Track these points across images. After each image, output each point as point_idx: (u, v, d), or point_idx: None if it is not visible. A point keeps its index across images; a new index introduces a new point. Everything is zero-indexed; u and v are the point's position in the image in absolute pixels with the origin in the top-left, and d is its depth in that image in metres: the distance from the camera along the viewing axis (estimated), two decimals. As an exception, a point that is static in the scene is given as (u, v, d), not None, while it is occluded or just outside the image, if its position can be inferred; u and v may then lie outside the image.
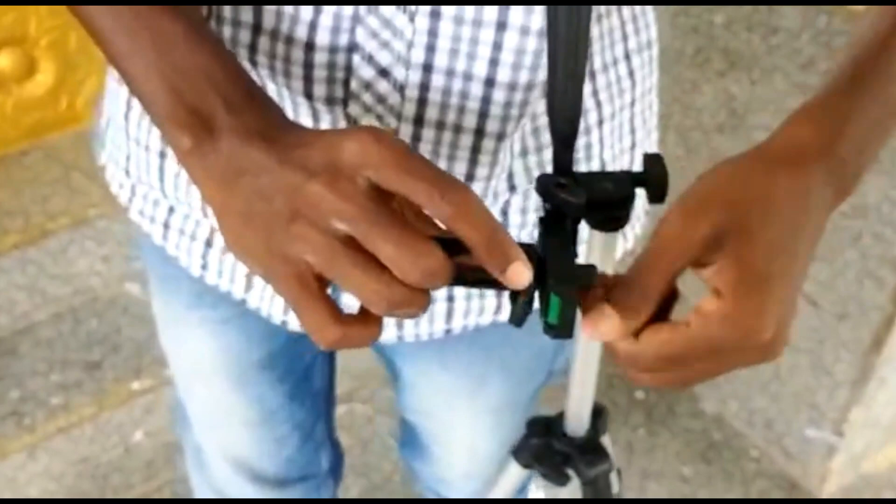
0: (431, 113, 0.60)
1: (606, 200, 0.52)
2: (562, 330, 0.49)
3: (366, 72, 0.58)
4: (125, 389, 1.65)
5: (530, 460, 0.84)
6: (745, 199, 0.47)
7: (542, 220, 0.50)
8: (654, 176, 0.54)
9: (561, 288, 0.48)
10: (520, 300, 0.47)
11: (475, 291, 0.71)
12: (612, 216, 0.54)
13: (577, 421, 0.79)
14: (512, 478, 0.87)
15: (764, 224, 0.46)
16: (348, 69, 0.58)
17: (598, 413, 0.80)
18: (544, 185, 0.51)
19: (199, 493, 1.08)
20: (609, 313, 0.46)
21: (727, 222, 0.46)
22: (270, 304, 0.73)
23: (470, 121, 0.60)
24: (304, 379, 0.95)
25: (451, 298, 0.71)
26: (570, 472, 0.83)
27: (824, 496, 1.67)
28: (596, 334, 0.47)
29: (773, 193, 0.47)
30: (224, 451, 0.99)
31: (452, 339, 0.75)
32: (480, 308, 0.72)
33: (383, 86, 0.59)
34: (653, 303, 0.47)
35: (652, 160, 0.55)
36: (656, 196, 0.55)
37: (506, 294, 0.47)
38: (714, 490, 1.69)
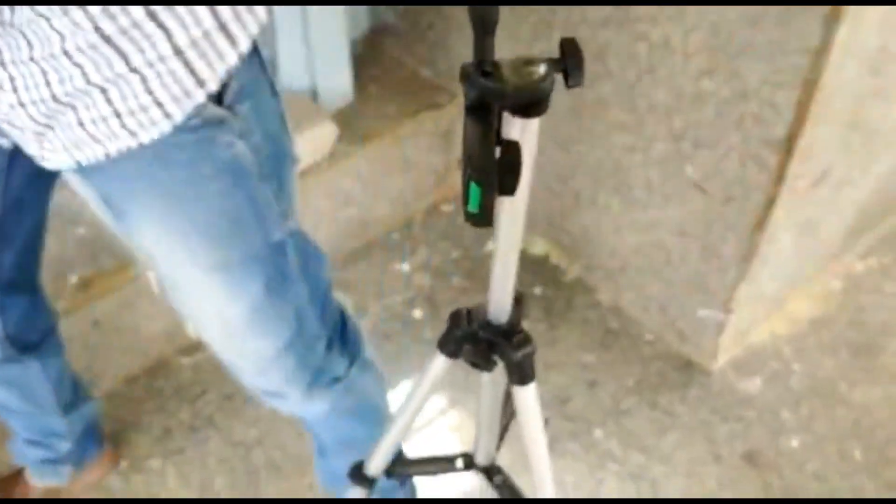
0: None
1: (531, 85, 0.53)
2: (482, 218, 0.50)
3: None
4: None
5: (456, 350, 0.87)
6: None
7: (467, 110, 0.51)
8: (573, 60, 0.55)
9: (481, 177, 0.48)
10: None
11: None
12: (534, 101, 0.55)
13: (500, 308, 0.81)
14: (437, 368, 0.90)
15: None
16: None
17: (517, 300, 0.82)
18: (468, 74, 0.51)
19: None
20: None
21: None
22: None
23: None
24: None
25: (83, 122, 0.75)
26: (496, 357, 0.86)
27: (715, 370, 1.78)
28: None
29: None
30: None
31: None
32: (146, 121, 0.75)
33: None
34: None
35: (569, 45, 0.56)
36: (576, 80, 0.56)
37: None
38: (614, 374, 1.77)
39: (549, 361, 1.79)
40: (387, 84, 2.00)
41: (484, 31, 0.50)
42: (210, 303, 0.96)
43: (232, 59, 0.75)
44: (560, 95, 1.74)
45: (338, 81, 1.90)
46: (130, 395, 1.69)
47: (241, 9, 0.75)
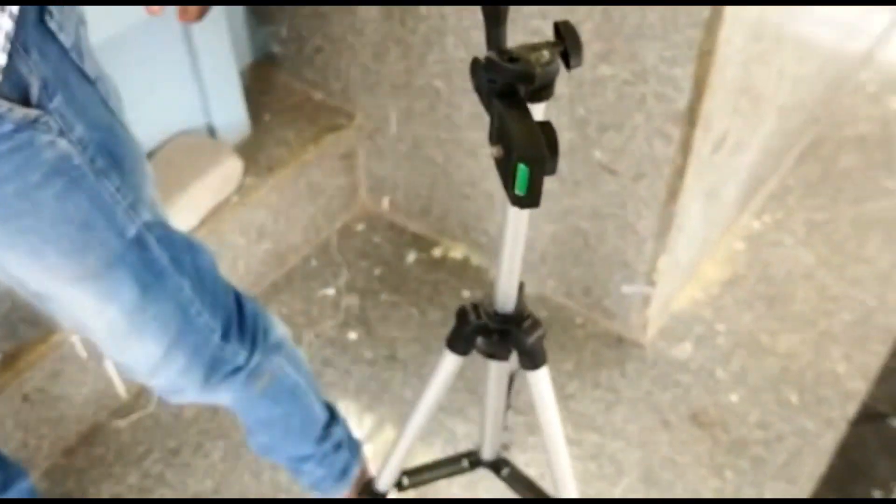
0: None
1: (548, 66, 0.55)
2: (531, 199, 0.51)
3: None
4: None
5: (467, 347, 0.88)
6: None
7: (498, 97, 0.52)
8: (571, 42, 0.58)
9: (530, 156, 0.50)
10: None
11: None
12: (546, 84, 0.57)
13: (507, 296, 0.83)
14: (449, 368, 0.90)
15: None
16: None
17: (518, 287, 0.84)
18: (492, 63, 0.52)
19: None
20: None
21: None
22: None
23: None
24: None
25: None
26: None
27: (646, 342, 1.84)
28: None
29: None
30: None
31: None
32: None
33: None
34: None
35: (566, 28, 0.58)
36: (577, 61, 0.58)
37: None
38: (553, 361, 1.79)
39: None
40: (282, 112, 1.99)
41: (497, 23, 0.52)
42: (87, 311, 0.94)
43: (6, 23, 0.73)
44: (461, 100, 1.76)
45: (233, 115, 1.87)
46: (72, 468, 1.62)
47: None
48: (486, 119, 1.87)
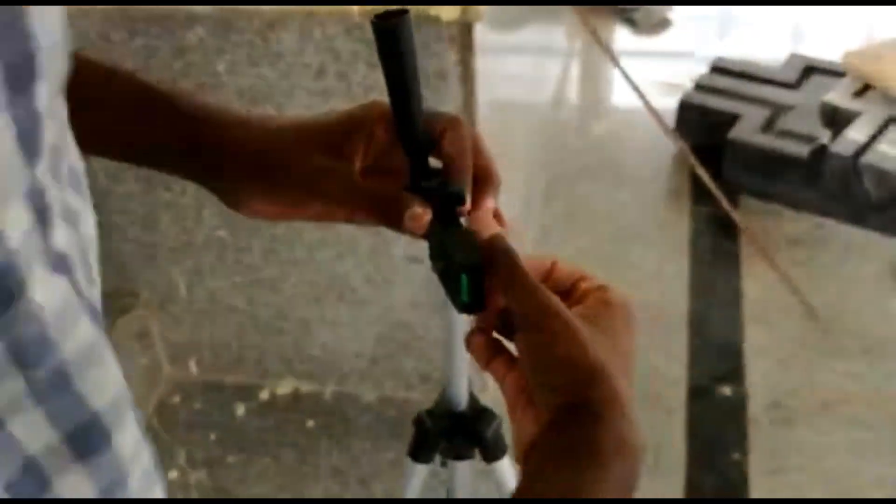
0: None
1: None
2: (475, 305, 0.54)
3: None
4: None
5: (431, 454, 0.89)
6: None
7: (435, 216, 0.56)
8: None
9: (468, 264, 0.53)
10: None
11: None
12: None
13: (459, 393, 0.86)
14: (417, 479, 0.91)
15: None
16: None
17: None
18: (428, 188, 0.56)
19: None
20: None
21: None
22: None
23: None
24: None
25: None
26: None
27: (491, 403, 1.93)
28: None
29: None
30: None
31: None
32: None
33: None
34: None
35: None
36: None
37: None
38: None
39: (367, 475, 1.81)
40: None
41: (421, 161, 0.56)
42: None
43: None
44: (250, 241, 1.74)
45: None
46: None
47: None
48: (280, 253, 1.86)
